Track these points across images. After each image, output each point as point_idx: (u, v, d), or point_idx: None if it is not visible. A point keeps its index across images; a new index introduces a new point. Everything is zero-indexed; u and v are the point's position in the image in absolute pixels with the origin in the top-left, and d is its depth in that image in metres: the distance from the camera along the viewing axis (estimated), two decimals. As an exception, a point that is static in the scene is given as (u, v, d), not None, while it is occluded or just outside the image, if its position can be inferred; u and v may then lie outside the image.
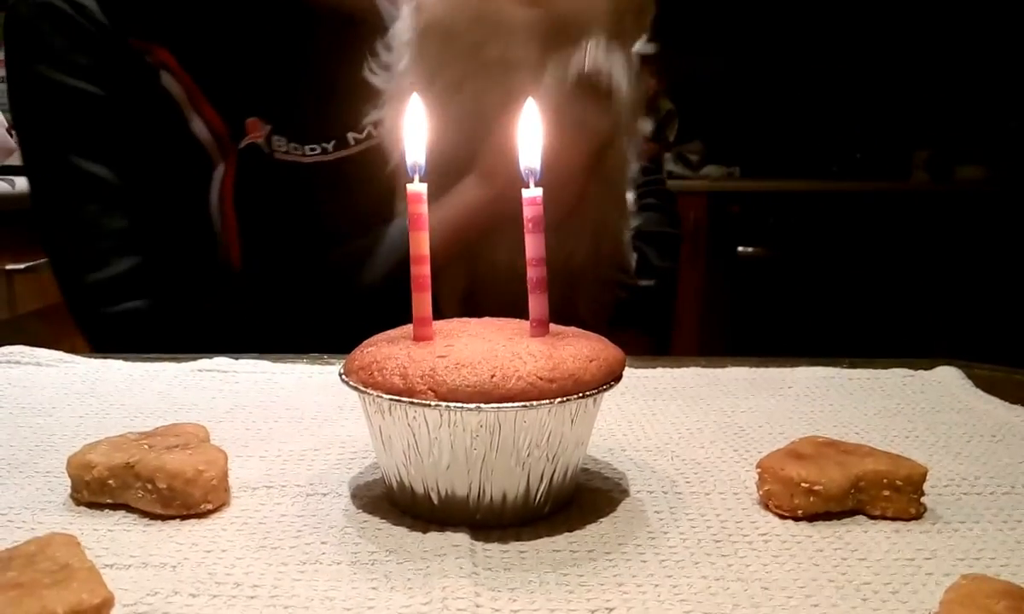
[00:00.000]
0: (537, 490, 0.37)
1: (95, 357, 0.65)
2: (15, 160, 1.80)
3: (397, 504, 0.39)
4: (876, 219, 2.71)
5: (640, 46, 0.78)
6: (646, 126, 0.84)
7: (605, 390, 0.38)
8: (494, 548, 0.35)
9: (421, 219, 0.38)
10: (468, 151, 0.76)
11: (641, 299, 0.90)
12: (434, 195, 0.50)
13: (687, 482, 0.43)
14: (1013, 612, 0.28)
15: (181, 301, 0.82)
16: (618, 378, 0.39)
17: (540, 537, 0.36)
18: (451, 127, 0.70)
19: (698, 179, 2.88)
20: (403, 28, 0.78)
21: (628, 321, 0.89)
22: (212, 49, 0.84)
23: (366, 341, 0.41)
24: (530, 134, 0.39)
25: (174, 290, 0.82)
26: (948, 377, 0.60)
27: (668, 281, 0.99)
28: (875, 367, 0.63)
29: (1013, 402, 0.54)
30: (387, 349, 0.38)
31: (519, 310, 0.41)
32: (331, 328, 0.69)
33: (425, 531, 0.37)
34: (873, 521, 0.38)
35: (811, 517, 0.38)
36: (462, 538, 0.35)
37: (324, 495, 0.41)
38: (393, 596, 0.32)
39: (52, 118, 0.83)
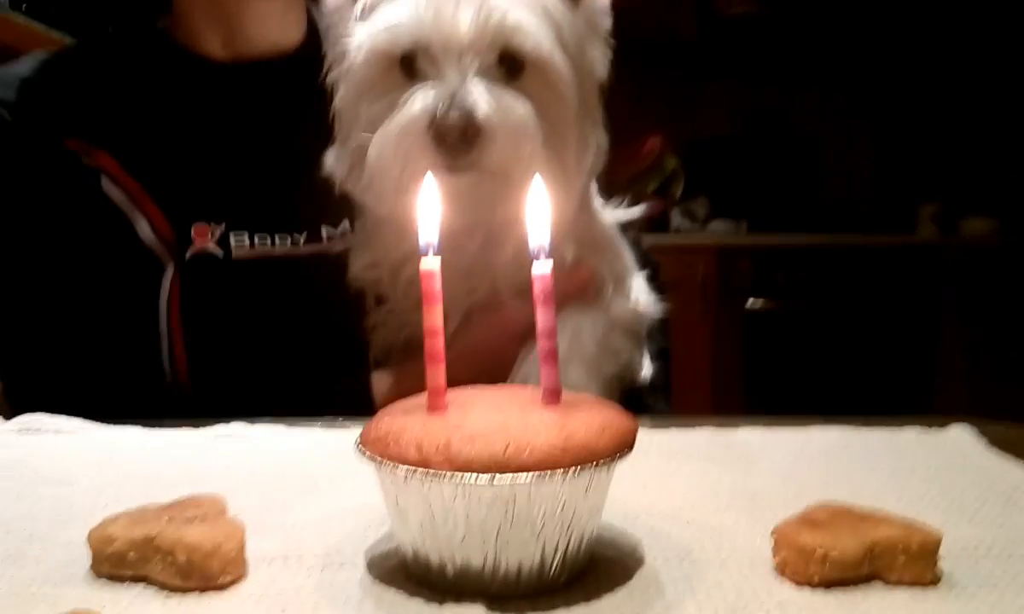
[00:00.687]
0: (552, 561, 0.37)
1: (113, 425, 0.65)
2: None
3: (413, 575, 0.39)
4: (883, 272, 2.71)
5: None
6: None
7: (618, 459, 0.38)
8: (510, 620, 0.35)
9: (435, 295, 0.39)
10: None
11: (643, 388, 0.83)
12: None
13: (702, 549, 0.43)
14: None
15: (116, 414, 0.68)
16: (631, 447, 0.39)
17: (556, 608, 0.36)
18: None
19: (706, 234, 2.91)
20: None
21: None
22: (155, 149, 0.80)
23: (382, 411, 0.41)
24: (539, 211, 0.40)
25: (110, 406, 0.70)
26: (962, 437, 0.60)
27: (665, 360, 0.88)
28: (889, 426, 0.63)
29: (1027, 461, 0.54)
30: (402, 420, 0.38)
31: None
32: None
33: (441, 603, 0.37)
34: (889, 588, 0.38)
35: (827, 584, 0.38)
36: (478, 610, 0.36)
37: (341, 566, 0.41)
38: (410, 671, 0.32)
39: None
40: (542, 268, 0.39)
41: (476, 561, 0.37)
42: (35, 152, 0.80)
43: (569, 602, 0.37)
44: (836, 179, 3.12)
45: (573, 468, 0.36)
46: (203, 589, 0.38)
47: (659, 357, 0.85)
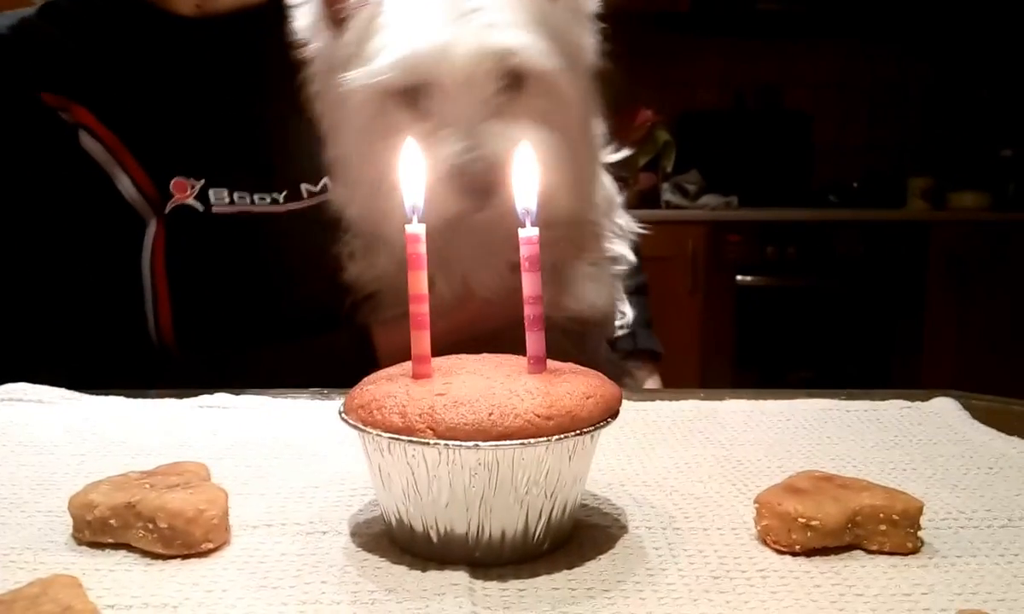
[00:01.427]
0: (536, 527, 0.37)
1: (96, 394, 0.65)
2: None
3: (396, 542, 0.39)
4: (874, 247, 2.72)
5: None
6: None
7: (602, 427, 0.38)
8: (493, 586, 0.36)
9: (419, 259, 0.38)
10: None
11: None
12: None
13: (685, 517, 0.43)
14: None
15: (100, 379, 0.68)
16: (615, 415, 0.39)
17: (539, 575, 0.37)
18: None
19: (696, 209, 2.90)
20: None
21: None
22: (135, 103, 0.79)
23: (365, 379, 0.41)
24: (527, 176, 0.39)
25: (93, 368, 0.71)
26: (945, 408, 0.60)
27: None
28: (873, 399, 0.63)
29: (1010, 433, 0.55)
30: (386, 387, 0.38)
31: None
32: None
33: (424, 570, 0.37)
34: (870, 556, 0.38)
35: (809, 552, 0.38)
36: (461, 577, 0.36)
37: (324, 533, 0.41)
38: (392, 636, 0.32)
39: None
40: (528, 233, 0.38)
41: (460, 527, 0.37)
42: (12, 108, 0.79)
43: (552, 568, 0.37)
44: (828, 154, 3.12)
45: (557, 435, 0.36)
46: (185, 556, 0.38)
47: (636, 292, 0.90)
